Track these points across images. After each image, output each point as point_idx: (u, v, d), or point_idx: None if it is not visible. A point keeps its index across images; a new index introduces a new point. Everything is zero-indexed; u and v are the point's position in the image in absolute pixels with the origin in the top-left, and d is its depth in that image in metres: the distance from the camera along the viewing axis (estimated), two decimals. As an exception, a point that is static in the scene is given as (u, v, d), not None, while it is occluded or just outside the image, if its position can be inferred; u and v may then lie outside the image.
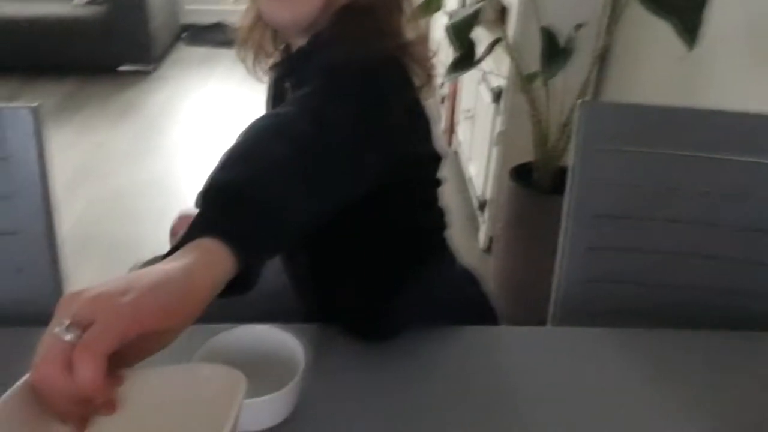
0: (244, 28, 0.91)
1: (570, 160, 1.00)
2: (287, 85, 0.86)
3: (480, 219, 2.50)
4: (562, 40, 1.69)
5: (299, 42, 0.83)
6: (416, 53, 0.80)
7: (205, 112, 3.75)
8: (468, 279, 0.99)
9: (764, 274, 0.97)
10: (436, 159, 0.89)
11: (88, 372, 0.43)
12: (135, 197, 2.81)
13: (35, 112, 0.89)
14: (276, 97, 0.92)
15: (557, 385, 0.81)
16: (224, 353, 0.77)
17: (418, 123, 0.83)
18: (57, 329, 0.45)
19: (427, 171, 0.89)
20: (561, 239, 1.00)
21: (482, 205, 2.45)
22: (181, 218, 0.97)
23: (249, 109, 3.78)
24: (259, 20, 0.89)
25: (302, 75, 0.77)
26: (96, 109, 3.64)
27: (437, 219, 0.94)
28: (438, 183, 0.92)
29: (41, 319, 0.90)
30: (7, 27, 3.88)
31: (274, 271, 1.05)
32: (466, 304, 0.96)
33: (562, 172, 2.00)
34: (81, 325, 0.44)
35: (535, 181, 2.04)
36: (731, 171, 0.96)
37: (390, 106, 0.72)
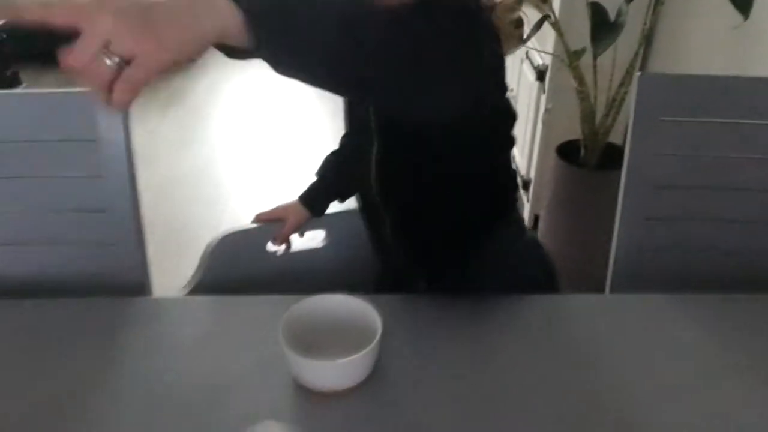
0: None
1: (628, 132, 1.02)
2: None
3: (524, 198, 2.52)
4: (612, 14, 1.69)
5: None
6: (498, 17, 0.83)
7: (247, 97, 3.82)
8: (534, 241, 1.03)
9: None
10: (512, 116, 0.92)
11: (126, 99, 0.50)
12: (185, 183, 2.90)
13: (122, 97, 0.95)
14: None
15: (621, 348, 0.85)
16: (306, 320, 0.83)
17: (499, 74, 0.86)
18: (101, 55, 0.48)
19: (505, 126, 0.93)
20: (619, 209, 1.03)
21: (526, 185, 2.47)
22: None
23: (288, 94, 3.84)
24: None
25: None
26: (146, 98, 3.74)
27: (512, 178, 0.98)
28: (512, 143, 0.95)
29: (127, 290, 0.98)
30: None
31: (346, 247, 1.11)
32: (534, 265, 1.00)
33: (609, 149, 2.01)
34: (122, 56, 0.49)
35: (582, 158, 2.04)
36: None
37: (482, 47, 0.74)
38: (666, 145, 1.01)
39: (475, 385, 0.81)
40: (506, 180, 0.99)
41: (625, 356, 0.84)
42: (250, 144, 3.30)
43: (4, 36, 3.58)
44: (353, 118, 0.99)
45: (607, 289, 1.03)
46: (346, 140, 1.11)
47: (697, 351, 0.85)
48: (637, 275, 1.02)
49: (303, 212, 1.11)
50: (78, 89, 0.95)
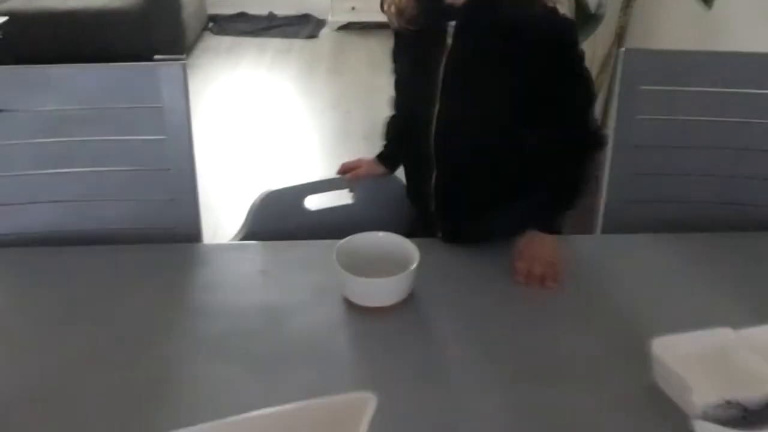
0: None
1: (614, 100, 1.20)
2: (451, 24, 1.02)
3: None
4: (592, 7, 1.88)
5: None
6: None
7: (235, 97, 3.94)
8: None
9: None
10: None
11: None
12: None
13: (184, 68, 1.10)
14: (429, 37, 1.06)
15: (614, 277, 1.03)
16: (354, 251, 0.98)
17: None
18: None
19: None
20: (607, 165, 1.20)
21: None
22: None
23: (275, 94, 3.98)
24: None
25: (475, 23, 0.99)
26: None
27: None
28: None
29: (188, 238, 1.12)
30: (48, 20, 4.09)
31: (373, 207, 1.26)
32: None
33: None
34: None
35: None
36: (752, 102, 1.16)
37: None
38: (646, 111, 1.19)
39: (491, 308, 0.97)
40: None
41: (622, 283, 1.02)
42: (239, 138, 3.41)
43: (1, 36, 3.66)
44: (424, 76, 1.08)
45: (599, 230, 1.21)
46: (400, 104, 1.23)
47: (679, 276, 1.03)
48: (623, 221, 1.20)
49: (378, 167, 1.26)
50: (142, 63, 1.10)
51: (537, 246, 1.03)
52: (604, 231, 1.22)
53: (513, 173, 1.09)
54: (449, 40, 1.03)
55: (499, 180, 1.10)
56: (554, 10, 1.02)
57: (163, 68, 1.08)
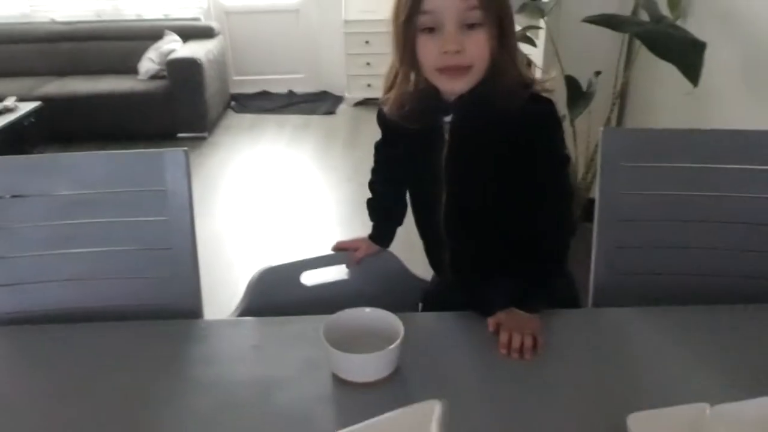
0: (390, 79, 1.10)
1: (597, 176, 1.24)
2: (446, 120, 1.07)
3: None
4: (584, 86, 1.96)
5: (454, 88, 1.04)
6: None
7: (257, 172, 4.09)
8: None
9: (761, 258, 1.19)
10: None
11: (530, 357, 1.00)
12: (201, 250, 3.09)
13: (186, 154, 1.18)
14: (428, 133, 1.10)
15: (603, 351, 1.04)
16: (341, 327, 1.02)
17: None
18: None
19: None
20: (594, 239, 1.24)
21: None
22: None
23: (295, 168, 4.11)
24: (405, 75, 1.07)
25: (468, 115, 1.05)
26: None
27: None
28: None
29: (186, 314, 1.17)
30: (81, 102, 4.34)
31: (367, 282, 1.31)
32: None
33: (590, 204, 2.24)
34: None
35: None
36: (730, 177, 1.20)
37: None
38: (628, 186, 1.23)
39: (476, 382, 0.99)
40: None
41: (607, 357, 1.04)
42: (260, 212, 3.52)
43: (32, 120, 3.88)
44: (426, 171, 1.14)
45: (590, 304, 1.23)
46: (380, 187, 1.32)
47: (662, 350, 1.05)
48: (612, 293, 1.22)
49: (374, 245, 1.32)
50: (147, 150, 1.18)
51: (517, 318, 1.06)
52: (594, 304, 1.24)
53: (515, 248, 1.14)
54: (446, 135, 1.09)
55: (507, 251, 1.15)
56: (535, 96, 1.07)
57: (167, 154, 1.16)
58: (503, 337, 1.03)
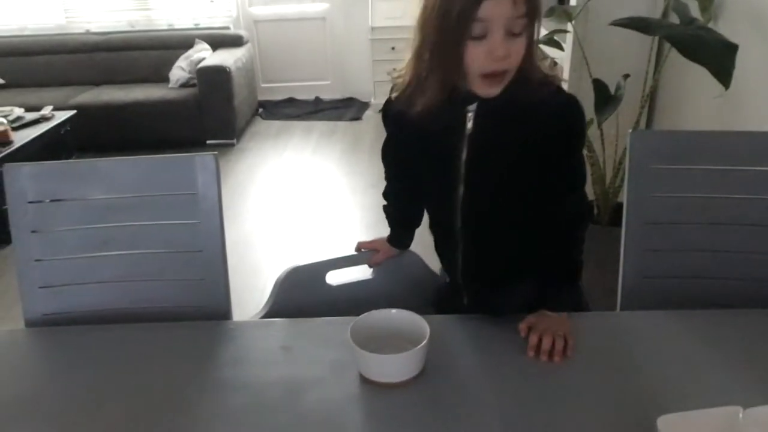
0: (410, 82, 1.09)
1: (625, 179, 1.24)
2: (469, 110, 1.08)
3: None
4: (612, 89, 1.95)
5: (492, 93, 1.04)
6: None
7: (283, 178, 4.13)
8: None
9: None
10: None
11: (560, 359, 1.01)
12: (229, 253, 3.13)
13: (216, 159, 1.21)
14: (449, 125, 1.10)
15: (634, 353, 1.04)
16: (368, 328, 1.03)
17: None
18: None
19: None
20: (622, 243, 1.23)
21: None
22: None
23: (322, 174, 4.15)
24: (439, 80, 1.06)
25: (493, 106, 1.06)
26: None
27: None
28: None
29: (216, 316, 1.19)
30: (113, 111, 4.44)
31: (388, 282, 1.32)
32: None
33: (619, 207, 2.22)
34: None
35: (596, 217, 2.25)
36: (760, 179, 1.18)
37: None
38: (657, 189, 1.22)
39: (503, 383, 0.99)
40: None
41: (636, 360, 1.03)
42: (285, 218, 3.56)
43: (68, 128, 3.98)
44: (444, 167, 1.15)
45: (618, 307, 1.22)
46: (393, 195, 1.34)
47: (692, 353, 1.04)
48: (641, 297, 1.21)
49: (393, 248, 1.35)
50: (178, 155, 1.21)
51: (548, 320, 1.06)
52: (623, 308, 1.23)
53: (531, 247, 1.14)
54: (469, 125, 1.09)
55: (519, 253, 1.16)
56: (560, 89, 1.09)
57: (197, 159, 1.19)
58: (533, 339, 1.04)
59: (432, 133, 1.12)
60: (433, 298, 1.31)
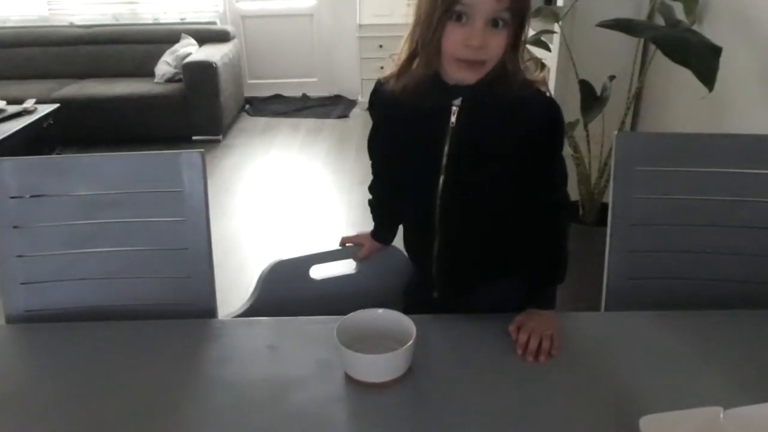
0: (404, 64, 1.10)
1: (611, 180, 1.24)
2: (455, 104, 1.09)
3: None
4: (598, 90, 1.96)
5: (464, 79, 1.06)
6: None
7: (270, 175, 4.11)
8: None
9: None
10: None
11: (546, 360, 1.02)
12: (214, 251, 3.11)
13: (203, 156, 1.20)
14: (430, 110, 1.11)
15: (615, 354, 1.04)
16: (354, 328, 1.03)
17: None
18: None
19: None
20: (607, 244, 1.24)
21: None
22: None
23: (308, 172, 4.14)
24: (427, 58, 1.07)
25: (478, 101, 1.07)
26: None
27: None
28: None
29: (202, 313, 1.18)
30: (97, 105, 4.39)
31: (372, 276, 1.32)
32: None
33: (604, 207, 2.24)
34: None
35: (581, 216, 2.27)
36: (744, 181, 1.20)
37: None
38: (642, 190, 1.23)
39: (488, 383, 0.99)
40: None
41: (619, 360, 1.04)
42: (271, 215, 3.55)
43: (51, 122, 3.93)
44: (426, 154, 1.15)
45: (603, 308, 1.23)
46: (379, 188, 1.34)
47: (675, 354, 1.05)
48: (625, 297, 1.22)
49: (375, 243, 1.35)
50: (164, 152, 1.20)
51: (536, 319, 1.07)
52: (607, 308, 1.24)
53: (509, 243, 1.16)
54: (453, 118, 1.10)
55: (497, 248, 1.17)
56: (541, 92, 1.10)
57: (183, 156, 1.18)
58: (522, 338, 1.05)
59: (417, 122, 1.12)
60: (404, 291, 1.32)
